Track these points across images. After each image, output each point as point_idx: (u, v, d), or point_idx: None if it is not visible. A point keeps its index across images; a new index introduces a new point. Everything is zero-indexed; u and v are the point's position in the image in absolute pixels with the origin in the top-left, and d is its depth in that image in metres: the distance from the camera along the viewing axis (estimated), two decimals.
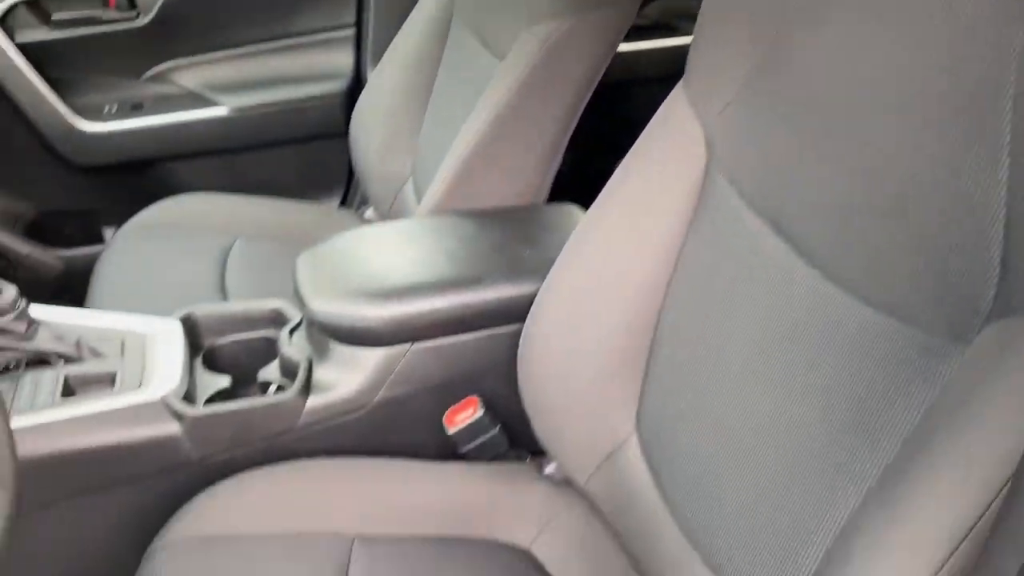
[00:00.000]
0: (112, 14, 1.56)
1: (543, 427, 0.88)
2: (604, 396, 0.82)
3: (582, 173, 1.08)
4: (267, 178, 1.69)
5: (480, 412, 0.93)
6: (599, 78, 1.10)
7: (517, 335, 0.88)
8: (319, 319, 0.90)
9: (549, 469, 0.95)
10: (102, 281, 1.29)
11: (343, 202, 1.79)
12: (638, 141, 0.82)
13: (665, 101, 0.81)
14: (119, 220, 1.43)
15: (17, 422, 0.82)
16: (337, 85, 1.67)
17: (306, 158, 1.73)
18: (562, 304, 0.84)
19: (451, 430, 0.93)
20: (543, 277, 0.86)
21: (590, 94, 1.11)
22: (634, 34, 1.21)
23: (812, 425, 0.62)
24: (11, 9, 1.49)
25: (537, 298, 0.86)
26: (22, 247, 1.66)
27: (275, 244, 1.35)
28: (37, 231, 1.69)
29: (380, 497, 0.89)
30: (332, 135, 1.60)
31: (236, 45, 1.64)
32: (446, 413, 0.94)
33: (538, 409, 0.86)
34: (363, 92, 1.45)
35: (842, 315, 0.61)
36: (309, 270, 0.95)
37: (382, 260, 0.98)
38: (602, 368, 0.81)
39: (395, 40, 1.40)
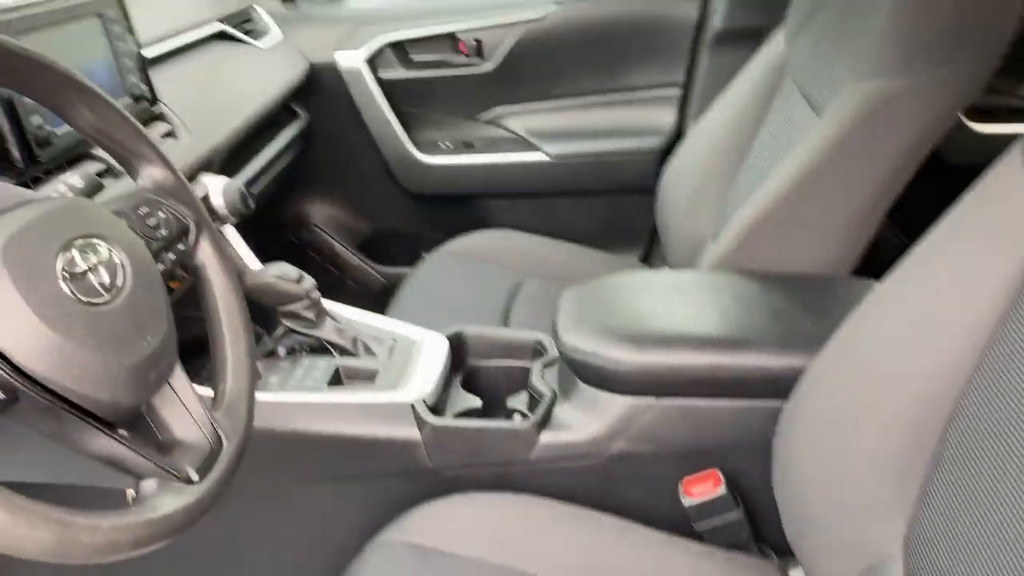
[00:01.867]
0: (462, 59, 1.71)
1: (792, 524, 0.77)
2: (869, 502, 0.70)
3: (894, 247, 0.95)
4: (573, 225, 1.73)
5: (722, 489, 0.84)
6: (930, 148, 0.97)
7: (776, 413, 0.78)
8: (566, 354, 0.88)
9: (795, 573, 0.83)
10: (403, 296, 1.39)
11: (644, 259, 1.77)
12: (955, 210, 0.70)
13: (992, 172, 0.68)
14: (436, 245, 1.54)
15: (282, 397, 0.89)
16: (655, 142, 1.67)
17: (615, 211, 1.75)
18: (833, 388, 0.73)
19: (688, 501, 0.85)
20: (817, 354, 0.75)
21: (917, 165, 0.98)
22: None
23: None
24: (381, 50, 1.70)
25: (805, 375, 0.76)
26: (354, 260, 1.87)
27: (565, 287, 1.35)
28: (368, 248, 1.89)
29: (597, 554, 0.83)
30: (643, 191, 1.59)
31: (566, 96, 1.72)
32: (684, 481, 0.86)
33: (789, 504, 0.76)
34: (678, 150, 1.42)
35: None
36: (571, 305, 0.93)
37: (646, 306, 0.93)
38: (872, 471, 0.69)
39: (718, 99, 1.36)
